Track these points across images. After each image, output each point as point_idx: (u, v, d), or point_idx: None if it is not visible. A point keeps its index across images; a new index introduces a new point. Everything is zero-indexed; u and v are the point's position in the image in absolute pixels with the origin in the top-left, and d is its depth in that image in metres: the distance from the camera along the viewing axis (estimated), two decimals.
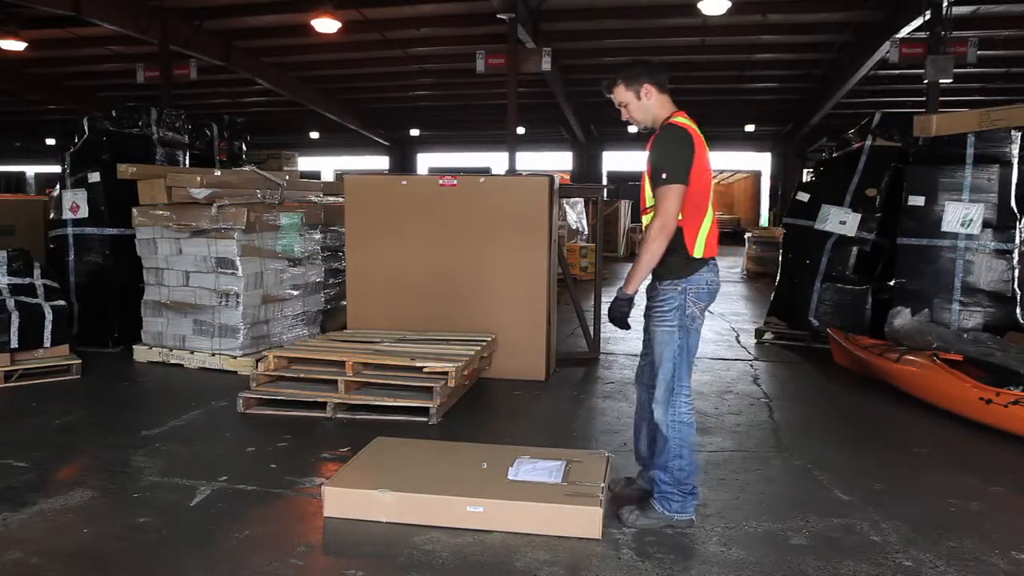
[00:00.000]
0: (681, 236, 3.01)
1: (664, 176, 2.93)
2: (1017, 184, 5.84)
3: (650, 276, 3.12)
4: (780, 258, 7.59)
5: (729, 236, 24.41)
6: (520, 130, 15.95)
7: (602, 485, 3.16)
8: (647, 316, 3.18)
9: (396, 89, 19.22)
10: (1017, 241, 5.84)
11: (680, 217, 2.98)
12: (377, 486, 3.15)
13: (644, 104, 3.10)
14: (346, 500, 3.17)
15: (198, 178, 5.85)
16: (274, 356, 4.96)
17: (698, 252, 3.04)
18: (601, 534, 2.99)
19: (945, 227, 5.99)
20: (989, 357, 5.01)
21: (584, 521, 3.00)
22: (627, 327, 3.13)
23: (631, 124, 3.23)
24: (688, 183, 2.94)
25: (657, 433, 3.13)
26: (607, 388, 5.52)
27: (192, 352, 5.90)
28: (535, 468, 3.31)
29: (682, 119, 3.06)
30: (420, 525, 3.07)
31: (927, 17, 10.36)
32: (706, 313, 3.16)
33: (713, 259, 3.11)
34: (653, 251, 2.97)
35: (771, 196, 24.77)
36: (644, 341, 3.28)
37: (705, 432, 4.46)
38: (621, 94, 3.12)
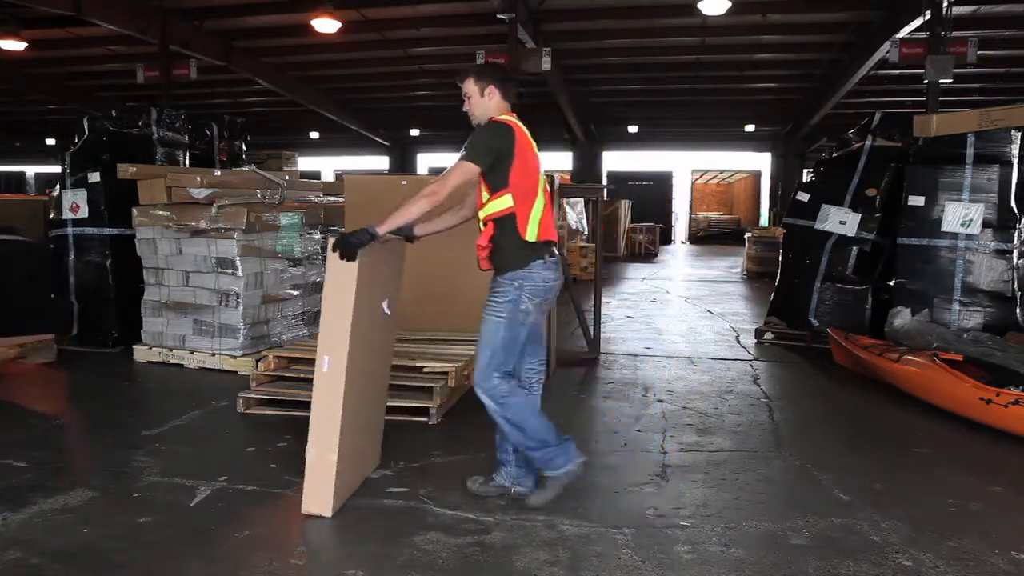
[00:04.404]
0: (514, 221, 3.15)
1: (464, 153, 3.10)
2: (1017, 184, 5.84)
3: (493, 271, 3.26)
4: (780, 258, 7.59)
5: (729, 236, 24.54)
6: None
7: None
8: (484, 307, 3.26)
9: (396, 89, 19.23)
10: (1017, 241, 5.83)
11: (512, 204, 3.13)
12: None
13: (484, 102, 3.27)
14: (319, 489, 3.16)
15: (198, 178, 5.85)
16: (274, 356, 4.96)
17: (531, 235, 3.17)
18: None
19: (945, 227, 5.99)
20: (989, 357, 5.01)
21: None
22: (352, 258, 3.04)
23: (472, 119, 3.34)
24: (484, 167, 3.09)
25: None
26: (607, 388, 5.52)
27: (192, 352, 5.90)
28: None
29: (507, 117, 3.23)
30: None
31: (927, 17, 10.36)
32: (541, 310, 3.25)
33: (552, 255, 3.22)
34: (412, 209, 3.08)
35: (771, 196, 24.75)
36: None
37: (705, 432, 4.46)
38: (469, 86, 3.28)
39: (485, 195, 3.18)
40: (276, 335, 6.09)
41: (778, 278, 7.52)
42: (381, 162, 26.99)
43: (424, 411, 4.53)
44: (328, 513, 3.15)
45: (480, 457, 3.57)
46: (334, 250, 3.05)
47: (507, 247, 3.17)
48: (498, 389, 3.17)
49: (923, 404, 4.92)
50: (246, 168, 7.60)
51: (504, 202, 3.14)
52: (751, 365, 6.34)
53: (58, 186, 6.93)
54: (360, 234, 3.03)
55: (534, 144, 3.26)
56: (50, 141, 24.36)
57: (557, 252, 3.28)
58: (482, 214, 3.22)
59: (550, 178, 5.59)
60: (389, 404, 4.61)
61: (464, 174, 3.09)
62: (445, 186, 3.06)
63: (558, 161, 25.08)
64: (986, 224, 5.86)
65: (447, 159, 26.42)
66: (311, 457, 3.14)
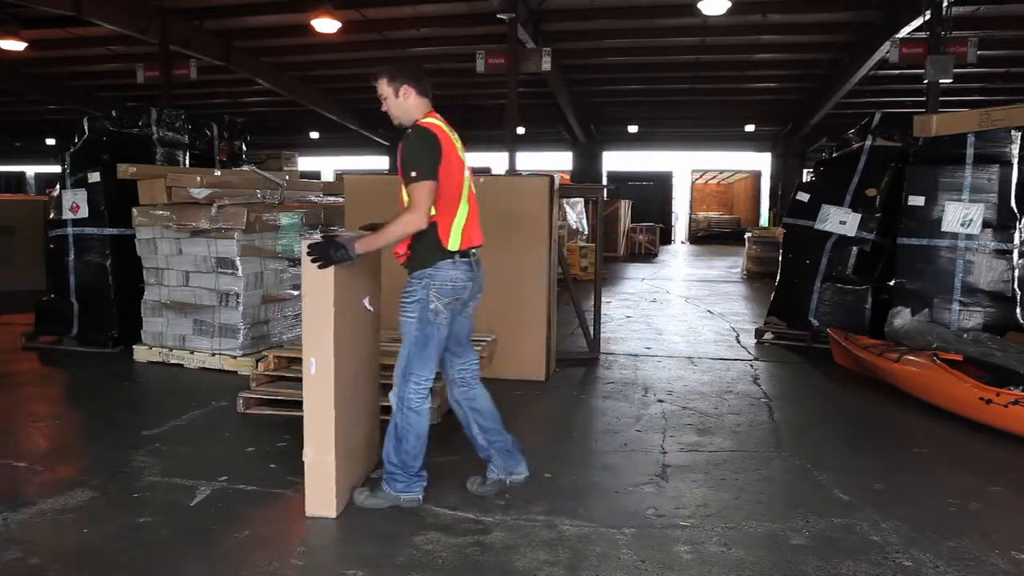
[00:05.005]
0: (435, 230, 3.14)
1: (414, 174, 3.06)
2: (1017, 184, 5.84)
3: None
4: (780, 258, 7.59)
5: (729, 236, 24.55)
6: (520, 130, 15.96)
7: None
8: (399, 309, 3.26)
9: None
10: (1017, 241, 5.83)
11: (433, 212, 3.11)
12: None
13: (401, 103, 3.26)
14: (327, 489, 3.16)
15: (198, 178, 5.85)
16: (274, 356, 4.96)
17: (453, 244, 3.17)
18: None
19: (945, 227, 5.99)
20: (989, 357, 5.01)
21: None
22: (324, 266, 3.08)
23: (392, 119, 3.33)
24: (437, 179, 3.07)
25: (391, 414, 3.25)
26: (607, 388, 5.52)
27: (192, 352, 5.90)
28: None
29: (432, 120, 3.22)
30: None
31: (927, 17, 10.36)
32: (453, 310, 3.23)
33: (466, 257, 3.22)
34: (395, 235, 3.10)
35: (771, 196, 24.77)
36: None
37: (705, 432, 4.46)
38: (383, 88, 3.27)
39: (408, 200, 3.15)
40: (276, 335, 6.09)
41: (778, 278, 7.51)
42: (381, 162, 26.97)
43: None
44: (332, 514, 3.15)
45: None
46: (312, 260, 3.06)
47: (421, 252, 3.17)
48: (410, 399, 3.20)
49: (923, 404, 4.92)
50: (246, 168, 7.60)
51: None
52: (751, 365, 6.34)
53: (58, 186, 6.92)
54: (340, 252, 3.05)
55: (458, 144, 3.25)
56: (50, 141, 24.38)
57: (474, 255, 3.27)
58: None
59: (549, 178, 5.62)
60: (388, 404, 4.62)
61: (430, 193, 3.06)
62: (422, 213, 3.05)
63: (558, 161, 25.10)
64: (986, 224, 5.86)
65: None
66: (309, 460, 3.14)
